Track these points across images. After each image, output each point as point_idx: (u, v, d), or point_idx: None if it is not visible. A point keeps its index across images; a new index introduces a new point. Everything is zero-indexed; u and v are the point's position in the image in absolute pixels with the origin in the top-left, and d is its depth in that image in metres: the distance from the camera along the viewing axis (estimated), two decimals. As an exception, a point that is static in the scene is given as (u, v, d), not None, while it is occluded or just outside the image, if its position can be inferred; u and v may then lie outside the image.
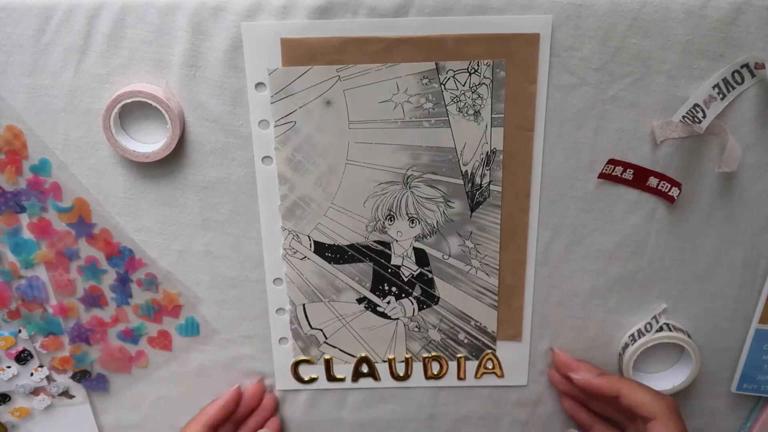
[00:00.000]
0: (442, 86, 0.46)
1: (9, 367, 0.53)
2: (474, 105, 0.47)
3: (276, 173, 0.49)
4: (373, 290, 0.53)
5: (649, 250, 0.51)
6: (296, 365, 0.55)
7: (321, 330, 0.54)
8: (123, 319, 0.53)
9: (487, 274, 0.52)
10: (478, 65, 0.45)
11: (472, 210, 0.50)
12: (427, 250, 0.51)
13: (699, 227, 0.50)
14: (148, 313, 0.53)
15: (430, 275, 0.52)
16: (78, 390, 0.56)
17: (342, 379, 0.56)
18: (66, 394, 0.55)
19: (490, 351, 0.55)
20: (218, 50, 0.45)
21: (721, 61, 0.45)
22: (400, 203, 0.50)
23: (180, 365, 0.55)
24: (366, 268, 0.52)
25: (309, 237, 0.51)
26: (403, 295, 0.53)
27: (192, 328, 0.53)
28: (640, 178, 0.48)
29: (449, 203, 0.50)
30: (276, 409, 0.56)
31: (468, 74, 0.46)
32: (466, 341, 0.55)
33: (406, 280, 0.52)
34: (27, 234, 0.49)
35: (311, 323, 0.54)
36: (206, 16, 0.44)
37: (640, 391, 0.48)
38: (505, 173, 0.49)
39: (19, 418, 0.56)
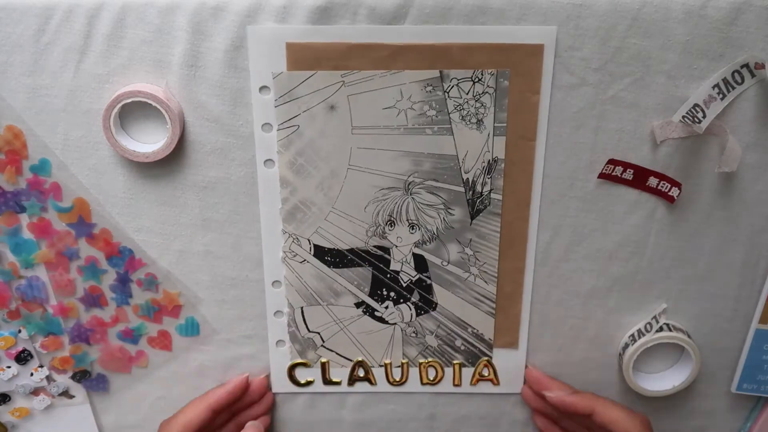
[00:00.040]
0: (446, 94, 0.46)
1: (9, 367, 0.53)
2: (477, 113, 0.47)
3: (278, 176, 0.49)
4: (371, 295, 0.53)
5: (649, 250, 0.51)
6: (293, 368, 0.55)
7: (318, 333, 0.54)
8: (123, 319, 0.53)
9: (486, 282, 0.52)
10: (482, 74, 0.46)
11: (473, 217, 0.50)
12: (427, 256, 0.51)
13: (699, 227, 0.50)
14: (148, 313, 0.53)
15: (428, 281, 0.52)
16: (78, 390, 0.56)
17: (338, 383, 0.56)
18: (66, 394, 0.55)
19: (486, 358, 0.55)
20: (218, 50, 0.45)
21: (721, 61, 0.45)
22: (401, 209, 0.50)
23: (180, 365, 0.55)
24: (365, 272, 0.52)
25: (309, 240, 0.51)
26: (402, 301, 0.53)
27: (192, 328, 0.53)
28: (640, 178, 0.48)
29: (450, 210, 0.50)
30: (271, 409, 0.56)
31: (472, 83, 0.46)
32: (462, 348, 0.55)
33: (404, 285, 0.52)
34: (27, 234, 0.49)
35: (309, 326, 0.54)
36: (206, 16, 0.44)
37: (615, 409, 0.49)
38: (506, 182, 0.49)
39: (19, 418, 0.56)
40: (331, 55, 0.45)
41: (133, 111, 0.46)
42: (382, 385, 0.56)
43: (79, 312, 0.52)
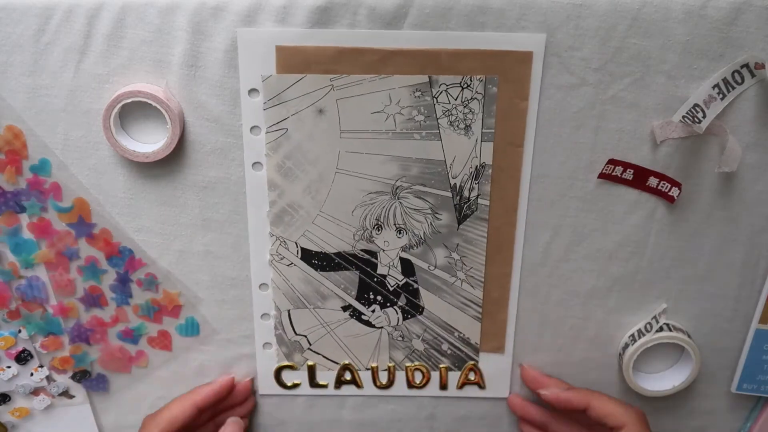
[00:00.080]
0: (435, 99, 0.46)
1: (9, 367, 0.53)
2: (465, 119, 0.47)
3: (266, 179, 0.49)
4: (358, 298, 0.53)
5: (649, 250, 0.51)
6: (279, 371, 0.55)
7: (305, 336, 0.54)
8: (123, 319, 0.53)
9: (472, 287, 0.52)
10: (470, 80, 0.46)
11: (460, 222, 0.50)
12: (414, 260, 0.51)
13: (699, 227, 0.50)
14: (148, 313, 0.53)
15: (415, 285, 0.52)
16: (78, 390, 0.56)
17: (325, 386, 0.56)
18: (66, 394, 0.55)
19: (472, 362, 0.55)
20: (218, 50, 0.45)
21: (721, 61, 0.45)
22: (388, 213, 0.50)
23: (180, 365, 0.55)
24: (352, 276, 0.52)
25: (296, 244, 0.51)
26: (388, 304, 0.53)
27: (192, 328, 0.53)
28: (640, 178, 0.48)
29: (437, 215, 0.50)
30: (251, 412, 0.57)
31: (460, 89, 0.46)
32: (449, 352, 0.55)
33: (391, 289, 0.53)
34: (27, 234, 0.49)
35: (296, 329, 0.54)
36: (206, 16, 0.44)
37: (609, 402, 0.49)
38: (494, 188, 0.49)
39: (19, 418, 0.56)
40: (320, 59, 0.45)
41: (133, 111, 0.46)
42: (369, 389, 0.56)
43: (79, 312, 0.52)
